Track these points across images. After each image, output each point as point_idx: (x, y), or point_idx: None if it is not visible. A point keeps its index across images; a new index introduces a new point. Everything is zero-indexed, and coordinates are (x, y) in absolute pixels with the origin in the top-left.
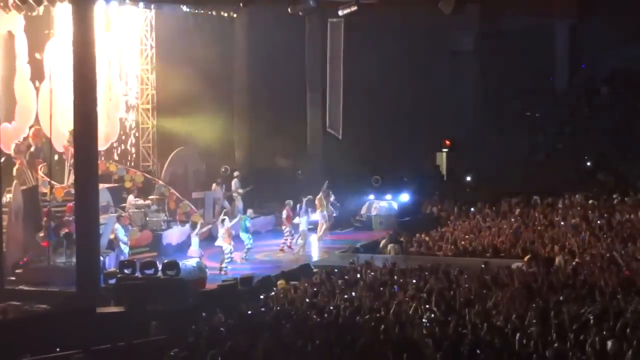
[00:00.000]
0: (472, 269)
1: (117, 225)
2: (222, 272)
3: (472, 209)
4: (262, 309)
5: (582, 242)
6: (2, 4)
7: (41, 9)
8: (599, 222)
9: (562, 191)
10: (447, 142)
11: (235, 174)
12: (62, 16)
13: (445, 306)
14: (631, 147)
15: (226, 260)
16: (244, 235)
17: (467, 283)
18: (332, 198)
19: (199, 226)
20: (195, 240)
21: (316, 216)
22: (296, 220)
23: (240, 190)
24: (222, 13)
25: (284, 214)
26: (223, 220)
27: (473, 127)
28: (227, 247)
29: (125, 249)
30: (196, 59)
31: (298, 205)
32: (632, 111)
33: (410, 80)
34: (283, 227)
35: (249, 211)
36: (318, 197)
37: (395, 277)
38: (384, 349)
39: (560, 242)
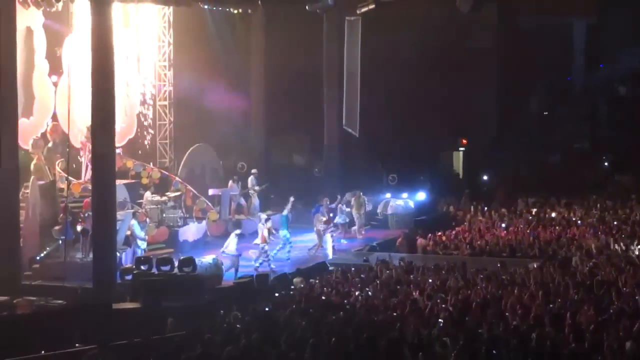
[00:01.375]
0: (488, 269)
1: (134, 222)
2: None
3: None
4: (279, 307)
5: (599, 243)
6: (21, 0)
7: (60, 4)
8: (616, 222)
9: (579, 191)
10: (464, 141)
11: (253, 171)
12: (81, 12)
13: (462, 305)
14: None
15: (262, 259)
16: (283, 232)
17: (483, 282)
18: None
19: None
20: (233, 240)
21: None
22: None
23: (257, 188)
24: (239, 10)
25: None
26: (267, 219)
27: (490, 126)
28: (264, 245)
29: (143, 245)
30: (213, 55)
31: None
32: None
33: (427, 78)
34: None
35: (291, 201)
36: (355, 197)
37: (412, 276)
38: (400, 347)
39: (577, 242)
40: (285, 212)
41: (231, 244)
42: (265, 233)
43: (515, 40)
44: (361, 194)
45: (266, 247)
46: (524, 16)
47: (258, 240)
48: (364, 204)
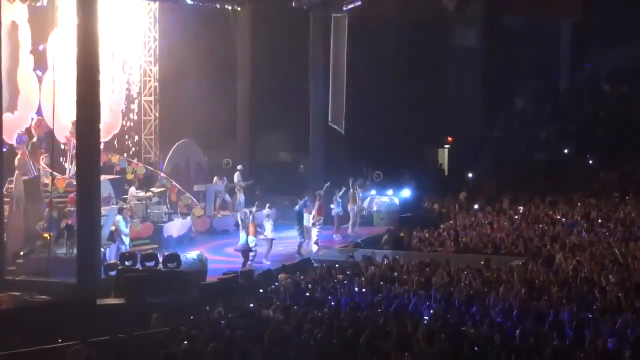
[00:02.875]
0: (472, 266)
1: (119, 218)
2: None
3: (476, 207)
4: (263, 303)
5: (583, 241)
6: None
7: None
8: (600, 220)
9: (564, 189)
10: (449, 139)
11: (239, 167)
12: (67, 7)
13: (446, 302)
14: (635, 145)
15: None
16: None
17: (467, 280)
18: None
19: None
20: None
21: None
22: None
23: (242, 184)
24: (226, 6)
25: (317, 205)
26: (268, 215)
27: (475, 124)
28: (253, 239)
29: (127, 241)
30: (199, 51)
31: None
32: (635, 109)
33: (413, 76)
34: (313, 220)
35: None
36: (351, 192)
37: (396, 273)
38: (385, 344)
39: (561, 240)
40: (297, 208)
41: (267, 227)
42: (269, 227)
43: (500, 39)
44: (358, 186)
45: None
46: (509, 15)
47: (269, 234)
48: (358, 197)
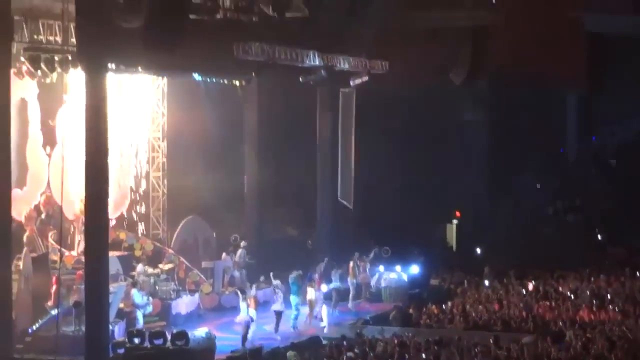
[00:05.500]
0: (482, 343)
1: (134, 290)
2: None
3: (486, 282)
4: None
5: (592, 317)
6: (15, 71)
7: (54, 75)
8: (609, 296)
9: (572, 264)
10: (457, 214)
11: (242, 244)
12: (76, 83)
13: None
14: None
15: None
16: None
17: (477, 357)
18: (368, 266)
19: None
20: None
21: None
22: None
23: (247, 260)
24: (233, 81)
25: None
26: (277, 285)
27: (483, 198)
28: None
29: (149, 309)
30: (207, 126)
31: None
32: None
33: (421, 149)
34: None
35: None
36: (351, 265)
37: (405, 350)
38: None
39: (570, 316)
40: (291, 279)
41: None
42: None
43: (508, 112)
44: (358, 261)
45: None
46: (515, 87)
47: (278, 307)
48: (359, 271)
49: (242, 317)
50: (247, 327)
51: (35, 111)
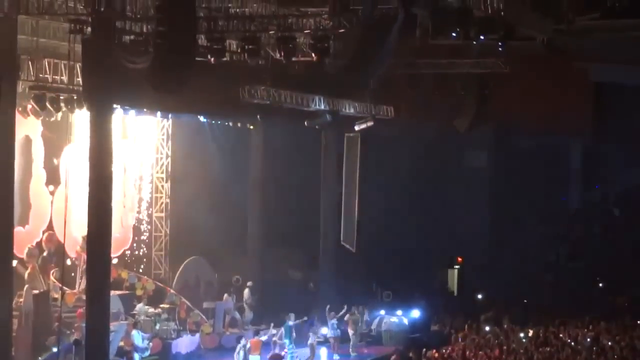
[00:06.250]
0: None
1: (134, 332)
2: None
3: (487, 328)
4: None
5: None
6: (20, 109)
7: (59, 115)
8: (611, 344)
9: (573, 311)
10: (459, 259)
11: (248, 284)
12: (80, 122)
13: None
14: None
15: None
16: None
17: None
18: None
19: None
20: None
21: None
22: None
23: (250, 301)
24: (238, 124)
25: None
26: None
27: (485, 244)
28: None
29: (145, 353)
30: (211, 168)
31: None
32: None
33: (424, 195)
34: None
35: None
36: (350, 316)
37: None
38: None
39: None
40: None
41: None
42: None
43: (511, 159)
44: (356, 311)
45: None
46: (519, 136)
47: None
48: (358, 321)
49: None
50: None
51: (39, 149)
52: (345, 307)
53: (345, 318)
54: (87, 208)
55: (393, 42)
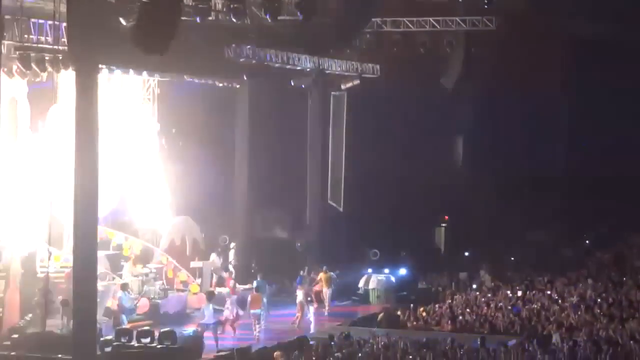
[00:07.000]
0: (469, 345)
1: (120, 293)
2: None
3: (474, 286)
4: None
5: (580, 320)
6: (5, 70)
7: (45, 75)
8: (598, 300)
9: (560, 269)
10: (446, 217)
11: (232, 245)
12: (66, 83)
13: None
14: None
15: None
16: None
17: (463, 359)
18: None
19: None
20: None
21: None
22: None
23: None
24: (224, 84)
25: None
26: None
27: (472, 202)
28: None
29: (132, 315)
30: (198, 127)
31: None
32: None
33: (410, 153)
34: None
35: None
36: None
37: (392, 351)
38: None
39: (558, 320)
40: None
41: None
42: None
43: (497, 116)
44: (327, 269)
45: None
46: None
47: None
48: (333, 279)
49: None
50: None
51: (25, 110)
52: (306, 268)
53: (318, 277)
54: (73, 167)
55: None
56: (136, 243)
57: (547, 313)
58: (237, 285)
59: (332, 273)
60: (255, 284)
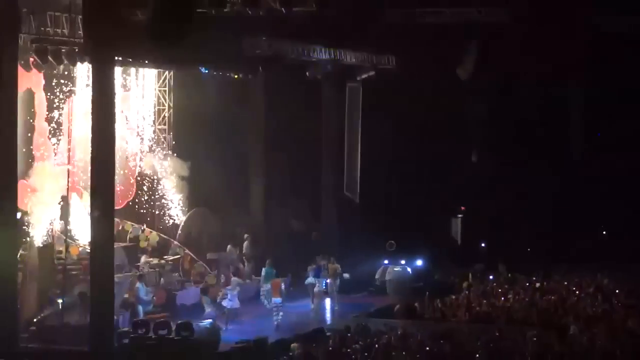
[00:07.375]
0: (486, 336)
1: (138, 284)
2: None
3: (491, 277)
4: None
5: (597, 312)
6: (22, 63)
7: (61, 67)
8: (617, 291)
9: (578, 260)
10: (462, 208)
11: (245, 236)
12: (82, 75)
13: None
14: None
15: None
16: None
17: (481, 350)
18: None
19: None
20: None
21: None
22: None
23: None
24: (240, 75)
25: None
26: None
27: (490, 193)
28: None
29: (148, 306)
30: (213, 119)
31: (315, 267)
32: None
33: (427, 144)
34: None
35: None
36: (330, 263)
37: (409, 343)
38: None
39: (575, 311)
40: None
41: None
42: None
43: (512, 109)
44: (334, 260)
45: None
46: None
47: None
48: (337, 273)
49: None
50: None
51: (41, 103)
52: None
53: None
54: (89, 161)
55: None
56: (153, 235)
57: (564, 304)
58: (253, 276)
59: (338, 266)
60: (263, 272)
